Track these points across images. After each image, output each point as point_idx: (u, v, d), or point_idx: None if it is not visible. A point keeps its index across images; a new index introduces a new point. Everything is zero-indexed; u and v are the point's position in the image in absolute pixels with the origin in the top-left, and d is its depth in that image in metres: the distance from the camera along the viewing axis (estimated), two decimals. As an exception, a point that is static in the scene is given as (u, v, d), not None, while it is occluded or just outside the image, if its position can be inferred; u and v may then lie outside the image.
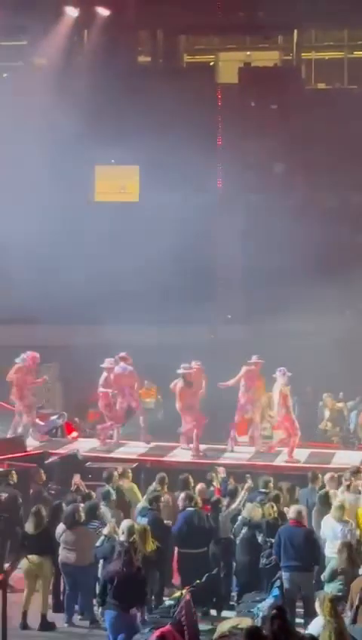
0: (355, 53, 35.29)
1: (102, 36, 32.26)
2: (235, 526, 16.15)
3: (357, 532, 15.60)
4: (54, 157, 28.72)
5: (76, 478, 17.89)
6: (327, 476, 17.17)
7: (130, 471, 18.35)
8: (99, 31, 32.36)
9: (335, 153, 29.78)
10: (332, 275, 25.80)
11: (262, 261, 27.03)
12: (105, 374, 21.13)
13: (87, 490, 17.51)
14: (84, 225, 29.24)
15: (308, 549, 14.77)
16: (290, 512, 15.21)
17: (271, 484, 17.17)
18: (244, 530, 15.96)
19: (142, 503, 16.83)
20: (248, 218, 28.62)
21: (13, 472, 18.21)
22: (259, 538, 15.72)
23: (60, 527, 15.86)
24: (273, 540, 15.29)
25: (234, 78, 34.42)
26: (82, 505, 16.28)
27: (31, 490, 18.14)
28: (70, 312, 26.68)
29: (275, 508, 16.08)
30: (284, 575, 14.77)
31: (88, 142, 28.81)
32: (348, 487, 16.61)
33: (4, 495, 17.41)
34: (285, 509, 16.12)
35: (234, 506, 16.61)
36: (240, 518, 16.23)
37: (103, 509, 16.52)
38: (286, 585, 14.68)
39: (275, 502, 16.33)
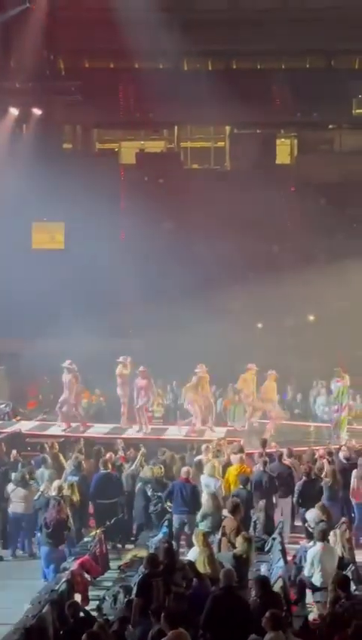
0: (218, 143, 35.69)
1: (36, 128, 32.04)
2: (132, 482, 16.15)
3: (223, 486, 15.67)
4: (2, 216, 28.30)
5: (13, 452, 17.61)
6: (203, 446, 17.22)
7: (56, 444, 18.11)
8: (34, 125, 32.13)
9: (203, 213, 30.00)
10: (199, 300, 26.06)
11: (153, 290, 27.05)
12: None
13: (22, 460, 17.24)
14: (25, 264, 28.92)
15: (194, 499, 14.83)
16: (182, 471, 15.24)
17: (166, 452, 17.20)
18: (139, 484, 15.95)
19: (69, 466, 16.65)
20: (143, 260, 28.64)
21: None
22: (149, 492, 15.73)
23: (11, 486, 15.64)
24: (159, 493, 15.35)
25: (133, 160, 34.55)
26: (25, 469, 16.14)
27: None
28: (14, 328, 26.32)
29: (162, 469, 16.11)
30: (175, 517, 14.77)
31: (27, 204, 28.59)
32: (214, 453, 16.66)
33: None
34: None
35: (132, 467, 16.62)
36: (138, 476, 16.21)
37: (41, 470, 16.33)
38: (176, 524, 14.69)
39: (163, 465, 16.38)
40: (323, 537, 12.14)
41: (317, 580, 11.86)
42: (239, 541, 11.91)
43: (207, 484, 15.45)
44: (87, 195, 29.71)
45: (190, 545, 13.57)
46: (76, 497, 15.05)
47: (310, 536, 13.57)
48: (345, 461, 16.33)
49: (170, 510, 15.04)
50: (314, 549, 12.11)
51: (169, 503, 15.05)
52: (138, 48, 30.06)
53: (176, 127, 35.16)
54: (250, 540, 12.07)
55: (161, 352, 23.31)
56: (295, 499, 15.38)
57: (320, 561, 11.89)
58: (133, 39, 29.00)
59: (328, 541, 12.16)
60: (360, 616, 9.27)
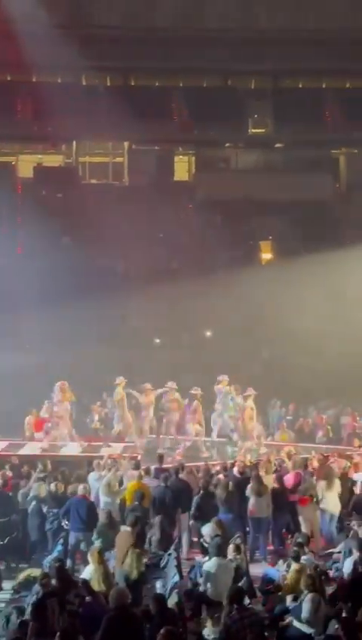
0: (117, 158, 35.76)
1: None
2: (27, 499, 15.78)
3: (117, 502, 15.54)
4: None
5: None
6: (95, 462, 17.06)
7: None
8: None
9: (101, 228, 29.88)
10: (97, 315, 25.92)
11: (50, 305, 26.72)
12: None
13: None
14: None
15: (90, 516, 14.66)
16: (79, 488, 15.02)
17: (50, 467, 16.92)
18: (33, 502, 15.63)
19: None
20: (39, 272, 28.31)
21: None
22: (44, 509, 15.45)
23: None
24: (55, 510, 15.08)
25: (30, 173, 34.27)
26: None
27: None
28: None
29: (58, 486, 15.85)
30: (72, 534, 14.56)
31: None
32: (109, 469, 16.49)
33: None
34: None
35: (29, 485, 16.30)
36: (30, 493, 15.81)
37: None
38: (72, 541, 14.48)
39: (61, 481, 16.12)
40: (219, 552, 12.20)
41: (211, 595, 11.89)
42: (130, 557, 11.85)
43: (103, 501, 15.36)
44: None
45: (86, 562, 13.44)
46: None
47: (205, 551, 13.61)
48: (239, 476, 16.47)
49: (66, 528, 14.84)
50: (210, 563, 12.15)
51: (66, 521, 14.84)
52: (36, 62, 29.84)
53: (74, 142, 35.08)
54: (140, 555, 12.01)
55: (58, 368, 23.06)
56: (191, 513, 15.41)
57: (215, 576, 11.93)
58: (32, 52, 28.79)
59: (224, 556, 12.20)
60: (252, 629, 9.35)
